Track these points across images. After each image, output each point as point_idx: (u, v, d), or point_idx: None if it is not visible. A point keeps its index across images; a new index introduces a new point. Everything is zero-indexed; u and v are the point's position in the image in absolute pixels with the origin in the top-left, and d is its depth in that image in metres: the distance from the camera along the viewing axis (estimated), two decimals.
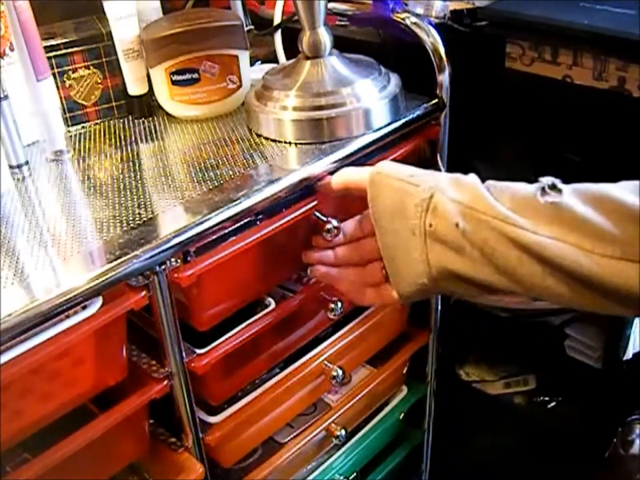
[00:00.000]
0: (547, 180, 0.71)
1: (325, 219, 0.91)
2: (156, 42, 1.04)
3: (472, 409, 1.30)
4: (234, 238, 0.87)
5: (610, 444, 1.24)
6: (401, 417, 1.27)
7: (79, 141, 1.08)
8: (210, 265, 0.84)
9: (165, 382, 0.88)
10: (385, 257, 0.82)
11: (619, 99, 1.00)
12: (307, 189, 0.93)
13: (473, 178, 0.77)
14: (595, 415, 1.24)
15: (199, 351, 0.90)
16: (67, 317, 0.75)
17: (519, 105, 1.10)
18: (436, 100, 1.08)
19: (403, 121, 1.04)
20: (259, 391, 1.02)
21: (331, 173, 0.93)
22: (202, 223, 0.83)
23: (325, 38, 1.01)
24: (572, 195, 0.68)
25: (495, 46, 1.08)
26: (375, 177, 0.83)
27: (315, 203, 0.93)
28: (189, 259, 0.83)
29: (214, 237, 0.84)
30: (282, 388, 1.03)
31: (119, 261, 0.77)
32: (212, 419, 0.97)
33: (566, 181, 0.70)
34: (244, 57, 1.09)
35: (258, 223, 0.89)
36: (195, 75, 1.06)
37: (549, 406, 1.33)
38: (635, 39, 0.96)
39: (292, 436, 1.10)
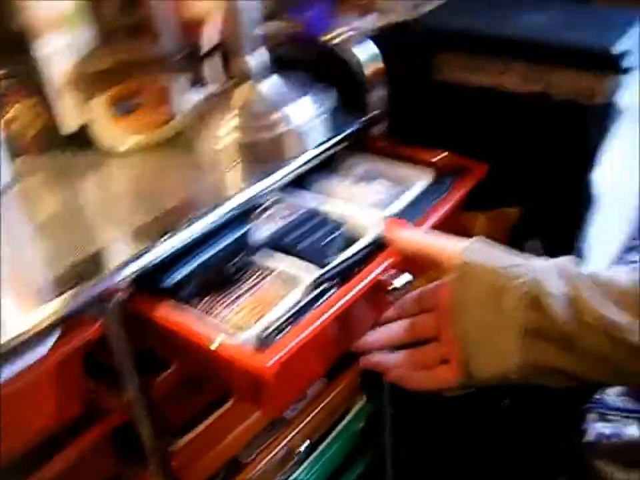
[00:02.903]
0: None
1: (388, 277, 0.88)
2: (92, 75, 1.05)
3: (431, 412, 1.32)
4: (311, 314, 0.81)
5: (565, 434, 1.27)
6: (361, 426, 1.29)
7: (21, 175, 1.07)
8: (292, 350, 0.76)
9: (124, 410, 0.88)
10: (460, 346, 0.79)
11: (546, 103, 1.03)
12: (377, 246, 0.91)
13: (573, 266, 0.76)
14: (549, 406, 1.26)
15: (156, 378, 0.91)
16: (22, 355, 0.75)
17: (451, 114, 1.12)
18: (372, 113, 1.10)
19: (341, 136, 1.06)
20: (218, 412, 1.02)
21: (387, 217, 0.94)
22: (151, 250, 0.84)
23: (259, 61, 1.03)
24: None
25: (425, 58, 1.10)
26: (463, 267, 0.79)
27: (386, 264, 0.88)
28: (267, 342, 0.78)
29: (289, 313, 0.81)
30: (238, 408, 1.04)
31: (71, 293, 0.77)
32: (172, 445, 0.97)
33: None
34: (180, 84, 1.10)
35: (332, 290, 0.85)
36: (133, 106, 1.07)
37: (503, 402, 1.35)
38: (555, 45, 0.99)
39: (254, 455, 1.11)
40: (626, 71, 0.94)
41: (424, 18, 1.14)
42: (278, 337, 0.77)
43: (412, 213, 0.97)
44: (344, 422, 1.28)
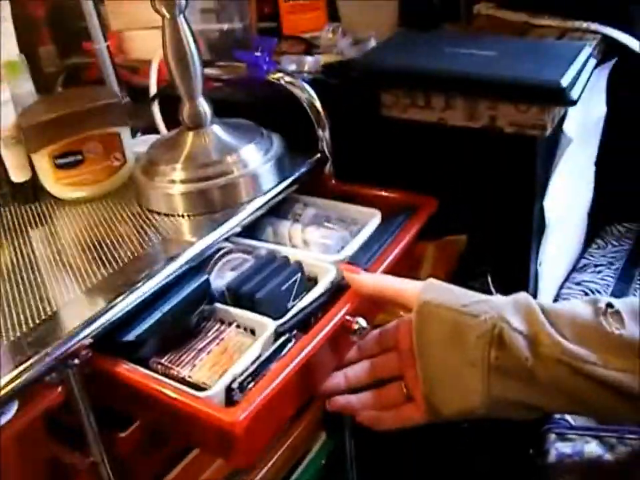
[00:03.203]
0: (602, 301, 0.74)
1: (350, 318, 0.88)
2: (36, 127, 1.03)
3: (392, 442, 1.32)
4: (275, 365, 0.80)
5: (525, 456, 1.28)
6: (323, 463, 1.29)
7: None
8: (261, 402, 0.75)
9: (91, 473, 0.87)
10: (424, 384, 0.81)
11: (493, 136, 1.05)
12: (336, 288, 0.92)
13: (531, 301, 0.77)
14: (508, 429, 1.27)
15: (121, 434, 0.90)
16: None
17: (399, 151, 1.14)
18: (319, 155, 1.11)
19: (290, 179, 1.06)
20: (182, 464, 1.01)
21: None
22: (109, 310, 0.83)
23: (205, 108, 1.03)
24: (632, 321, 0.72)
25: (369, 96, 1.11)
26: (422, 308, 0.80)
27: (347, 308, 0.88)
28: (234, 398, 0.78)
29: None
30: (202, 457, 1.03)
31: (30, 361, 0.75)
32: None
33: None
34: (126, 132, 1.09)
35: (294, 340, 0.85)
36: (79, 157, 1.06)
37: (463, 425, 1.36)
38: (500, 79, 1.01)
39: None
40: (574, 102, 0.96)
41: (366, 56, 1.15)
42: (244, 391, 0.77)
43: (364, 255, 0.98)
44: (306, 461, 1.27)
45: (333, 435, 1.31)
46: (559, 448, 1.21)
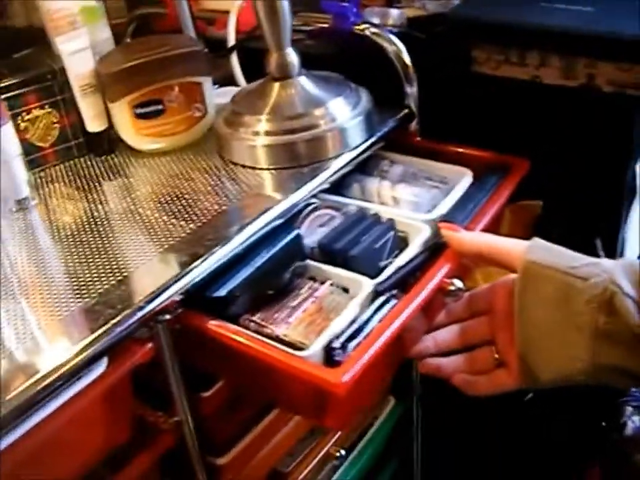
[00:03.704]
0: None
1: (447, 280, 0.85)
2: (115, 75, 1.00)
3: (458, 410, 1.29)
4: (377, 327, 0.77)
5: (600, 428, 1.25)
6: (391, 428, 1.26)
7: (41, 187, 1.02)
8: (364, 364, 0.72)
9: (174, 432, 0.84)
10: (523, 347, 0.78)
11: (590, 95, 1.00)
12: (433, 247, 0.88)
13: (636, 264, 0.74)
14: (581, 399, 1.24)
15: (204, 394, 0.87)
16: (75, 381, 0.70)
17: (489, 109, 1.09)
18: (406, 110, 1.07)
19: (378, 135, 1.02)
20: (261, 425, 0.98)
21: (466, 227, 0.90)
22: (199, 264, 0.80)
23: (293, 58, 0.99)
24: None
25: (459, 51, 1.07)
26: (529, 266, 0.76)
27: (447, 268, 0.85)
28: (336, 358, 0.74)
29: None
30: (279, 418, 1.01)
31: (121, 316, 0.73)
32: (220, 461, 0.94)
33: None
34: (208, 83, 1.05)
35: (393, 301, 0.81)
36: (160, 107, 1.02)
37: (527, 397, 1.33)
38: (600, 36, 0.96)
39: (294, 464, 1.08)
40: None
41: (457, 10, 1.10)
42: (346, 353, 0.74)
43: (459, 214, 0.94)
44: (375, 426, 1.25)
45: (401, 400, 1.29)
46: (636, 421, 1.18)
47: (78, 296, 0.76)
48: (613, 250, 1.12)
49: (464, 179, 1.01)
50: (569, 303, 0.74)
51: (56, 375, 0.67)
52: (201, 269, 0.80)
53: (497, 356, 0.85)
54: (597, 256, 0.81)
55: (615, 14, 1.01)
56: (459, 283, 0.86)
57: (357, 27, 1.06)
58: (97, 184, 1.00)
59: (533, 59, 1.02)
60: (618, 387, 0.77)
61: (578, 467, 1.32)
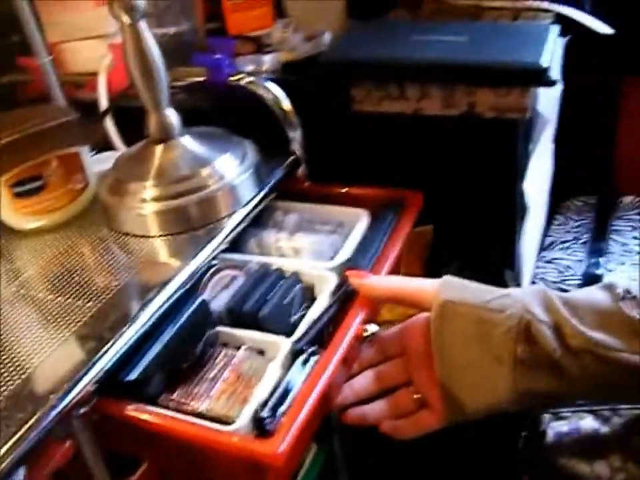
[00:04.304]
0: (620, 286, 0.73)
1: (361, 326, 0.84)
2: None
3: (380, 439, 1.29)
4: (303, 387, 0.75)
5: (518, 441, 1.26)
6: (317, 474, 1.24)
7: None
8: (298, 429, 0.69)
9: None
10: (445, 383, 0.78)
11: (472, 123, 1.02)
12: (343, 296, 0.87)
13: (545, 290, 0.76)
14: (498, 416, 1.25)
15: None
16: None
17: (373, 146, 1.09)
18: (292, 157, 1.05)
19: (269, 187, 1.00)
20: None
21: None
22: (108, 350, 0.75)
23: (174, 119, 0.96)
24: None
25: (337, 91, 1.06)
26: (444, 305, 0.77)
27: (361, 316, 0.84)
28: (267, 427, 0.71)
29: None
30: None
31: (34, 418, 0.67)
32: None
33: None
34: (85, 152, 1.01)
35: (314, 357, 0.79)
36: (39, 182, 0.97)
37: None
38: (478, 64, 0.98)
39: None
40: (555, 82, 0.94)
41: (331, 52, 1.10)
42: (276, 420, 0.71)
43: (362, 258, 0.93)
44: (300, 475, 1.22)
45: (322, 444, 1.26)
46: (555, 427, 1.20)
47: None
48: (512, 265, 1.14)
49: (361, 220, 1.00)
50: (486, 336, 0.75)
51: None
52: (111, 354, 0.75)
53: (416, 396, 0.85)
54: (506, 286, 0.82)
55: (487, 42, 1.04)
56: (373, 328, 0.86)
57: (232, 78, 1.04)
58: None
59: (413, 92, 1.02)
60: (545, 408, 0.79)
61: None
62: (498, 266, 1.13)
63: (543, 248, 1.42)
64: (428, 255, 1.18)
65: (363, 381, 0.88)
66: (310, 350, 0.80)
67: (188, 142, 0.97)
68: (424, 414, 0.84)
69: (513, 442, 1.28)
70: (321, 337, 0.82)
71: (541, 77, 0.95)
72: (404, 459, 1.34)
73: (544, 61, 0.94)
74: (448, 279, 0.81)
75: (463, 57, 0.99)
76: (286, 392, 0.75)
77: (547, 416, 1.22)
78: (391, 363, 0.88)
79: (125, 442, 0.81)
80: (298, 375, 0.77)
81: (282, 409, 0.73)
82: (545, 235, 1.46)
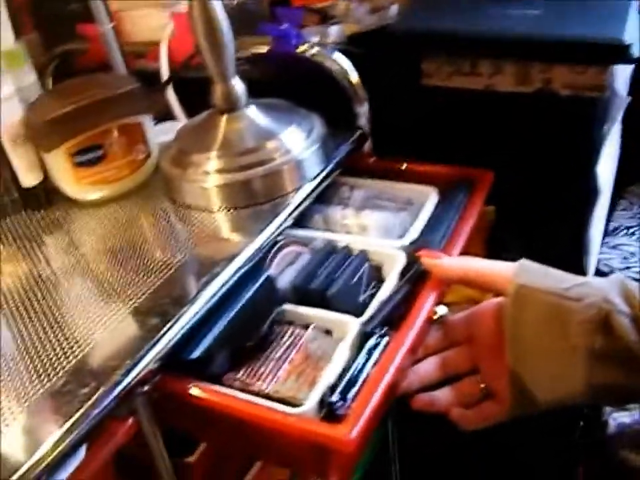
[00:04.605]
0: None
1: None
2: (50, 123, 0.92)
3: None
4: (374, 372, 0.72)
5: (575, 430, 1.24)
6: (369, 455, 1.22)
7: None
8: (370, 415, 0.67)
9: None
10: (516, 372, 0.75)
11: (546, 100, 0.98)
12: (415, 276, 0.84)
13: (624, 280, 0.73)
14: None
15: (189, 460, 0.81)
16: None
17: (441, 122, 1.05)
18: (359, 132, 1.02)
19: (335, 162, 0.97)
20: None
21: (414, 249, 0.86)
22: (172, 326, 0.73)
23: (240, 88, 0.93)
24: None
25: (406, 65, 1.03)
26: (519, 290, 0.74)
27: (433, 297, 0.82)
28: (338, 411, 0.68)
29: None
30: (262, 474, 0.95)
31: (96, 396, 0.65)
32: None
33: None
34: (148, 122, 0.99)
35: (385, 340, 0.76)
36: (100, 152, 0.95)
37: None
38: (555, 39, 0.94)
39: None
40: (637, 59, 0.90)
41: (402, 23, 1.06)
42: (346, 405, 0.69)
43: (433, 237, 0.90)
44: None
45: (376, 431, 1.24)
46: (617, 418, 1.18)
47: (44, 377, 0.69)
48: (580, 251, 1.10)
49: (430, 199, 0.97)
50: (562, 325, 0.72)
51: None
52: (175, 330, 0.73)
53: (482, 386, 0.82)
54: (576, 273, 0.78)
55: (564, 16, 0.98)
56: (442, 310, 0.84)
57: (300, 49, 1.01)
58: (39, 243, 0.92)
59: (485, 68, 0.99)
60: (614, 405, 0.75)
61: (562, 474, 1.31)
62: (566, 251, 1.09)
63: (606, 233, 1.38)
64: (488, 237, 1.14)
65: (428, 367, 0.85)
66: (380, 332, 0.77)
67: (253, 113, 0.95)
68: (489, 404, 0.82)
69: (569, 432, 1.25)
70: (391, 319, 0.79)
71: (622, 54, 0.91)
72: (456, 446, 1.31)
73: (626, 37, 0.89)
74: (525, 262, 0.78)
75: (539, 31, 0.94)
76: (356, 375, 0.72)
77: (608, 407, 1.20)
78: (456, 349, 0.85)
79: (184, 421, 0.79)
80: (368, 358, 0.74)
81: (352, 393, 0.70)
82: (609, 220, 1.41)
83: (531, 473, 1.32)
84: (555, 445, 1.27)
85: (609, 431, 1.18)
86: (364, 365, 0.74)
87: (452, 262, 0.83)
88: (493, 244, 1.12)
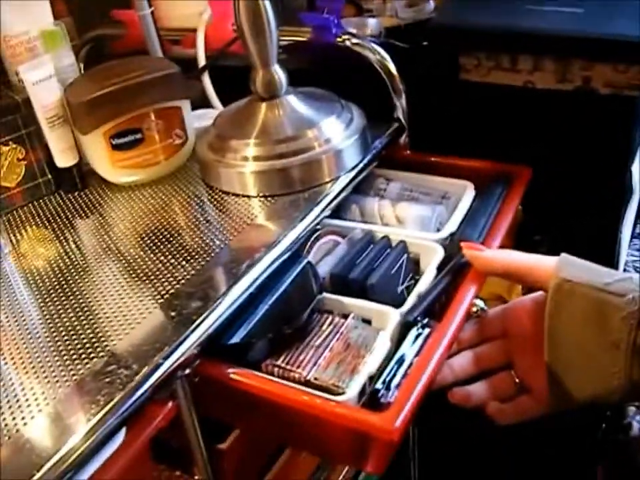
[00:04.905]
0: None
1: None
2: (87, 105, 0.92)
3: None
4: (417, 362, 0.71)
5: (598, 431, 1.23)
6: None
7: (11, 232, 0.92)
8: (413, 404, 0.66)
9: None
10: (553, 368, 0.75)
11: (586, 98, 0.97)
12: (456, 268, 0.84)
13: None
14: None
15: (222, 446, 0.80)
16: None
17: (478, 117, 1.05)
18: (397, 124, 1.02)
19: (373, 153, 0.97)
20: (277, 466, 0.92)
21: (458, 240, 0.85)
22: (214, 311, 0.72)
23: (281, 75, 0.93)
24: None
25: (445, 59, 1.02)
26: (562, 284, 0.73)
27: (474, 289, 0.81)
28: (382, 400, 0.68)
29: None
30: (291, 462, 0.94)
31: (136, 379, 0.65)
32: None
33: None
34: (186, 107, 0.98)
35: (426, 331, 0.75)
36: (138, 136, 0.95)
37: None
38: (597, 37, 0.93)
39: None
40: None
41: (441, 17, 1.05)
42: (390, 394, 0.68)
43: (472, 231, 0.89)
44: None
45: None
46: None
47: (84, 356, 0.68)
48: (612, 250, 1.10)
49: (467, 193, 0.96)
50: (604, 320, 0.71)
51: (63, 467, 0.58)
52: (216, 315, 0.73)
53: (517, 380, 0.82)
54: None
55: (605, 14, 0.98)
56: (480, 303, 0.83)
57: (340, 39, 1.01)
58: (73, 224, 0.92)
59: (525, 64, 0.98)
60: None
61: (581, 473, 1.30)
62: (597, 249, 1.08)
63: (633, 236, 1.37)
64: (516, 235, 1.14)
65: (462, 361, 0.85)
66: (422, 323, 0.76)
67: (293, 101, 0.94)
68: (525, 399, 0.81)
69: (591, 433, 1.25)
70: (432, 310, 0.78)
71: None
72: (473, 446, 1.31)
73: None
74: (566, 256, 0.77)
75: (581, 28, 0.94)
76: (399, 365, 0.72)
77: (632, 408, 1.19)
78: (490, 344, 0.85)
79: (221, 407, 0.79)
80: (410, 348, 0.74)
81: (396, 381, 0.70)
82: (636, 222, 1.40)
83: (548, 472, 1.31)
84: (575, 445, 1.27)
85: (632, 432, 1.17)
86: (406, 354, 0.73)
87: (494, 254, 0.82)
88: (520, 242, 1.11)
